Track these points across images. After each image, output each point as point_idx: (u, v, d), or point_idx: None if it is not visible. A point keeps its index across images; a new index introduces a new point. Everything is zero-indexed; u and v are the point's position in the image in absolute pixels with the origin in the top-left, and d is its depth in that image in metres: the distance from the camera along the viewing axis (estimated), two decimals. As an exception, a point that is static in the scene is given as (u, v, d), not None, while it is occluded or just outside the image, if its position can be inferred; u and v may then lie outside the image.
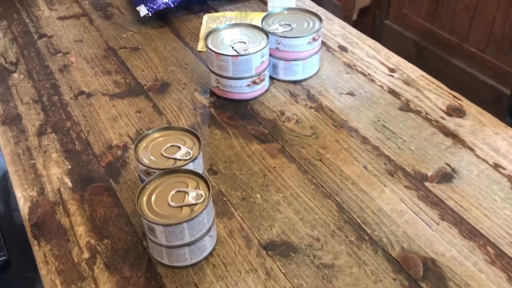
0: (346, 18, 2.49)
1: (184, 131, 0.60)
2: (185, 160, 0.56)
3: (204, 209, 0.50)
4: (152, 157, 0.57)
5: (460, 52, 1.96)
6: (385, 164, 0.65)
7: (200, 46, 0.90)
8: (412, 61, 0.86)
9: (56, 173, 0.65)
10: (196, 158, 0.57)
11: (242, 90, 0.75)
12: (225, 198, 0.61)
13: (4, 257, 1.14)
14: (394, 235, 0.56)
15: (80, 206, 0.61)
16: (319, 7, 1.01)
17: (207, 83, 0.81)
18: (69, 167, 0.66)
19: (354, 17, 2.46)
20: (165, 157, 0.57)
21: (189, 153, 0.57)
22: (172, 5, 0.95)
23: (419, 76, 0.80)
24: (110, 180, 0.64)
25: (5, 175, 1.51)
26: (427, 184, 0.62)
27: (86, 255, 0.55)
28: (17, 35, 0.95)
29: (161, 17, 0.97)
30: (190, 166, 0.56)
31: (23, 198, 0.62)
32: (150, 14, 0.94)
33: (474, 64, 1.90)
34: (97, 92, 0.79)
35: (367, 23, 2.47)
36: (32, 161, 0.67)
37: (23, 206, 0.61)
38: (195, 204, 0.51)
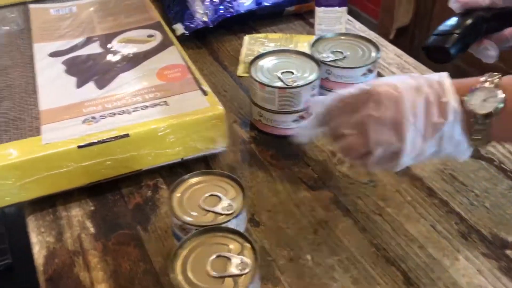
0: (383, 37, 2.40)
1: (226, 177, 0.52)
2: (227, 215, 0.48)
3: (250, 283, 0.41)
4: (188, 210, 0.48)
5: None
6: (456, 223, 0.56)
7: (240, 71, 0.81)
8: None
9: (78, 215, 0.58)
10: (239, 213, 0.48)
11: (288, 125, 0.67)
12: (269, 258, 0.52)
13: (8, 261, 1.11)
14: (474, 318, 0.47)
15: (103, 258, 0.53)
16: (370, 31, 0.92)
17: (247, 114, 0.72)
18: (92, 208, 0.59)
19: (391, 36, 2.36)
20: (204, 209, 0.48)
21: (232, 206, 0.49)
22: (211, 25, 0.87)
23: (489, 116, 0.71)
24: (138, 227, 0.56)
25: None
26: (508, 252, 0.52)
27: (106, 322, 0.47)
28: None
29: (199, 37, 0.89)
30: (233, 222, 0.48)
31: (38, 244, 0.55)
32: (187, 33, 0.86)
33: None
34: (127, 119, 0.72)
35: (405, 42, 2.36)
36: (51, 199, 0.59)
37: (38, 254, 0.53)
38: (240, 275, 0.42)
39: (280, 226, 0.56)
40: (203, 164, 0.64)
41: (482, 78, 0.44)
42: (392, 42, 2.47)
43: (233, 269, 0.42)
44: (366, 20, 2.57)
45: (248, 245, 0.44)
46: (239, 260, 0.43)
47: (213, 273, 0.42)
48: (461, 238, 0.54)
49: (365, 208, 0.58)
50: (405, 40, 2.36)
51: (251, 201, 0.59)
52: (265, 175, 0.62)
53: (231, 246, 0.44)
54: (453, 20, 0.64)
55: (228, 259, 0.43)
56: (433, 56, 0.66)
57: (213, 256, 0.43)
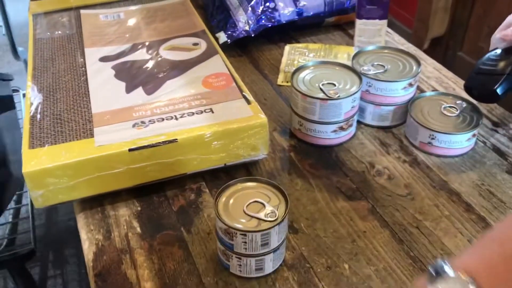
0: (417, 47, 2.39)
1: (269, 185, 0.54)
2: (271, 221, 0.50)
3: (271, 228, 0.49)
4: (233, 214, 0.51)
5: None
6: (494, 240, 0.56)
7: (280, 80, 0.83)
8: None
9: (125, 215, 0.60)
10: (282, 220, 0.50)
11: (327, 135, 0.68)
12: (308, 265, 0.54)
13: (30, 246, 1.20)
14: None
15: (149, 257, 0.55)
16: (409, 43, 0.93)
17: (287, 122, 0.74)
18: (139, 208, 0.61)
19: (425, 46, 2.34)
20: (248, 215, 0.50)
21: (275, 213, 0.51)
22: (253, 34, 0.89)
23: (528, 133, 0.71)
24: (182, 229, 0.58)
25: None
26: (546, 270, 0.53)
27: (152, 318, 0.49)
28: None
29: (240, 45, 0.92)
30: (275, 229, 0.50)
31: (88, 241, 0.57)
32: (229, 42, 0.89)
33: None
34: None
35: (439, 53, 2.35)
36: (99, 198, 0.62)
37: (88, 250, 0.56)
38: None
39: (318, 234, 0.57)
40: (244, 170, 0.66)
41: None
42: (426, 52, 2.45)
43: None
44: (399, 29, 2.55)
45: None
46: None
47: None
48: (498, 254, 0.55)
49: (403, 220, 0.59)
50: (439, 50, 2.34)
51: (289, 208, 0.61)
52: (304, 184, 0.64)
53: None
54: (495, 56, 0.61)
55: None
56: (477, 96, 0.66)
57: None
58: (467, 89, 0.66)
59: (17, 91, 1.75)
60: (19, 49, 1.92)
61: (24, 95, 1.78)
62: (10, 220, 1.31)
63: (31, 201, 1.30)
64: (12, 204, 1.35)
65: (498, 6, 1.99)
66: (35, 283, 1.41)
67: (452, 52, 2.32)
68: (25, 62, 1.99)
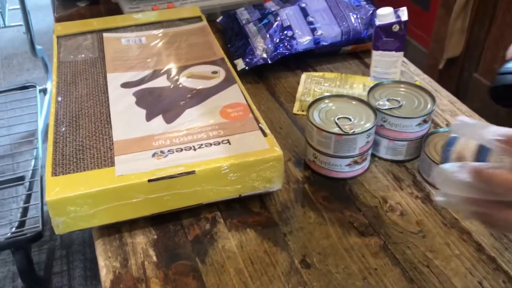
0: (431, 67, 2.39)
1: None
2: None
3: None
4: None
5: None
6: (504, 282, 0.57)
7: (296, 109, 0.85)
8: (500, 121, 0.75)
9: (142, 243, 0.62)
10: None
11: (342, 169, 0.70)
12: (319, 301, 0.55)
13: (38, 229, 1.32)
14: None
15: (164, 286, 0.57)
16: (424, 74, 0.94)
17: (301, 152, 0.76)
18: (155, 237, 0.63)
19: (441, 66, 2.34)
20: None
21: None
22: (270, 62, 0.91)
23: (541, 172, 0.71)
24: (197, 259, 0.60)
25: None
26: (555, 316, 0.53)
27: None
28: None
29: (257, 72, 0.94)
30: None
31: (105, 268, 0.59)
32: (247, 69, 0.91)
33: None
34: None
35: (454, 73, 2.35)
36: (117, 225, 0.64)
37: (105, 277, 0.58)
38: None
39: (330, 270, 0.59)
40: (258, 200, 0.68)
41: None
42: (441, 72, 2.45)
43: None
44: (415, 49, 2.56)
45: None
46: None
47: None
48: (508, 297, 0.55)
49: (413, 259, 0.60)
50: (454, 71, 2.35)
51: (302, 241, 0.62)
52: (317, 217, 0.65)
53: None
54: None
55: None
56: (502, 98, 0.60)
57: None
58: (492, 90, 0.60)
59: (33, 86, 1.83)
60: (38, 47, 1.98)
61: (40, 90, 1.85)
62: (22, 205, 1.42)
63: (41, 188, 1.38)
64: (24, 190, 1.47)
65: (515, 30, 2.00)
66: (35, 270, 1.51)
67: (468, 73, 2.31)
68: (43, 60, 2.06)
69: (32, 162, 1.55)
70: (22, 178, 1.55)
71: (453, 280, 0.57)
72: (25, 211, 1.43)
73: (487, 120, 0.75)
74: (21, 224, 1.38)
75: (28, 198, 1.45)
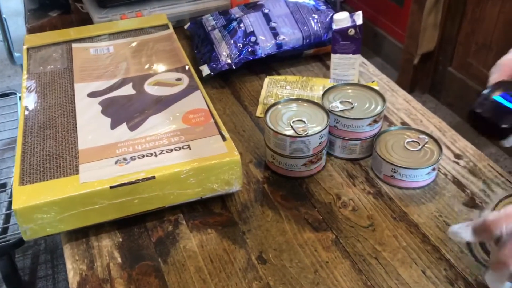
0: (407, 62, 2.44)
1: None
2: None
3: None
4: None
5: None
6: (445, 270, 0.61)
7: (259, 112, 0.89)
8: None
9: (107, 245, 0.65)
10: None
11: (298, 168, 0.73)
12: (273, 294, 0.59)
13: (20, 235, 1.35)
14: None
15: (128, 286, 0.60)
16: (382, 74, 0.98)
17: (262, 154, 0.79)
18: (120, 239, 0.66)
19: (416, 61, 2.40)
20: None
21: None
22: (235, 67, 0.95)
23: (487, 165, 0.76)
24: (159, 259, 0.64)
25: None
26: (490, 299, 0.58)
27: None
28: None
29: (223, 76, 0.97)
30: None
31: (73, 270, 0.63)
32: (212, 74, 0.94)
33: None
34: (154, 156, 0.80)
35: (429, 68, 2.40)
36: (84, 229, 0.67)
37: (72, 279, 0.61)
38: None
39: (284, 264, 0.62)
40: (220, 201, 0.71)
41: None
42: (416, 67, 2.50)
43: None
44: (392, 44, 2.61)
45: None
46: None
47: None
48: (449, 284, 0.59)
49: (363, 251, 0.64)
50: (429, 65, 2.40)
51: (259, 239, 0.66)
52: (275, 215, 0.69)
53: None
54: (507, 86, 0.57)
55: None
56: (479, 125, 0.59)
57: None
58: (471, 114, 0.59)
59: (14, 94, 1.85)
60: (16, 54, 2.00)
61: (21, 97, 1.87)
62: (4, 211, 1.44)
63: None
64: (6, 197, 1.50)
65: (485, 25, 2.05)
66: (19, 275, 1.53)
67: (442, 67, 2.37)
68: (22, 66, 2.08)
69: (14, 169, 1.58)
70: (4, 185, 1.58)
71: (399, 270, 0.61)
72: (7, 217, 1.46)
73: (461, 113, 0.78)
74: (4, 230, 1.41)
75: (10, 205, 1.48)
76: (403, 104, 0.90)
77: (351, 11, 0.90)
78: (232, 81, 0.97)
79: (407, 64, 2.43)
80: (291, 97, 0.77)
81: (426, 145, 0.74)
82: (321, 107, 0.75)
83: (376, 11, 2.68)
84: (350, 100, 0.77)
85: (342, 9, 1.01)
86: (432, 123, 0.85)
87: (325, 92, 0.79)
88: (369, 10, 2.73)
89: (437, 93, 2.41)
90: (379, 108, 0.75)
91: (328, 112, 0.74)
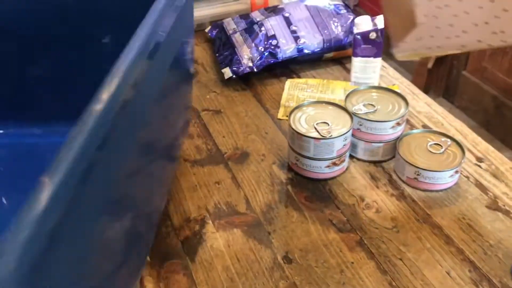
0: (421, 66, 2.44)
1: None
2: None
3: None
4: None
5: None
6: (469, 271, 0.62)
7: (281, 114, 0.90)
8: (489, 116, 0.81)
9: (136, 244, 0.67)
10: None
11: (322, 170, 0.75)
12: (300, 293, 0.60)
13: None
14: None
15: (157, 284, 0.62)
16: (403, 78, 0.99)
17: (285, 156, 0.81)
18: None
19: (430, 65, 2.40)
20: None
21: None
22: (256, 70, 0.96)
23: (509, 168, 0.76)
24: (187, 258, 0.65)
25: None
26: (516, 301, 0.58)
27: None
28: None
29: (244, 79, 0.99)
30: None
31: (103, 268, 0.64)
32: (234, 77, 0.96)
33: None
34: (179, 157, 0.81)
35: (443, 72, 2.40)
36: (113, 228, 0.69)
37: (103, 277, 0.63)
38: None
39: (310, 264, 0.63)
40: (244, 201, 0.73)
41: None
42: (431, 71, 2.50)
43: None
44: (405, 48, 2.61)
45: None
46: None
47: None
48: (473, 285, 0.60)
49: (388, 252, 0.65)
50: (443, 69, 2.40)
51: (285, 239, 0.67)
52: (299, 216, 0.70)
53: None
54: None
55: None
56: None
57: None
58: None
59: None
60: None
61: None
62: None
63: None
64: None
65: (500, 28, 2.04)
66: None
67: (456, 71, 2.37)
68: None
69: None
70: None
71: (423, 271, 0.62)
72: None
73: (475, 117, 0.79)
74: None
75: None
76: (424, 107, 0.90)
77: (364, 14, 0.91)
78: (253, 83, 0.98)
79: (422, 67, 2.43)
80: (315, 100, 0.79)
81: (448, 148, 0.74)
82: (345, 109, 0.76)
83: (390, 14, 2.68)
84: (373, 103, 0.78)
85: (356, 13, 1.02)
86: (453, 126, 0.85)
87: (347, 95, 0.80)
88: (381, 13, 2.73)
89: (451, 97, 2.41)
90: (402, 111, 0.76)
91: (352, 114, 0.75)
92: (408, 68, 2.63)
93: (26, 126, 0.80)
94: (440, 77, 2.42)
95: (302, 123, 0.75)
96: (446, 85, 2.44)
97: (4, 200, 0.73)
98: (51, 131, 0.78)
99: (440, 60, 2.37)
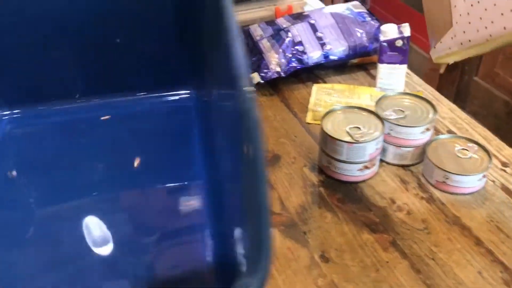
0: (433, 71, 2.47)
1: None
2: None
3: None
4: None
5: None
6: (501, 272, 0.64)
7: (309, 118, 0.93)
8: (500, 121, 0.86)
9: (177, 242, 0.70)
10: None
11: (353, 173, 0.77)
12: (338, 290, 0.63)
13: None
14: None
15: (200, 280, 0.64)
16: (426, 84, 1.02)
17: (315, 159, 0.83)
18: (189, 237, 0.71)
19: (442, 70, 2.41)
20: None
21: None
22: (284, 75, 0.99)
23: (534, 173, 0.79)
24: (227, 256, 0.68)
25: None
26: (546, 300, 0.61)
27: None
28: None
29: (271, 84, 1.01)
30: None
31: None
32: (262, 82, 0.99)
33: None
34: (212, 159, 0.84)
35: (454, 77, 2.43)
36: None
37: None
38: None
39: (346, 263, 0.66)
40: (279, 202, 0.75)
41: None
42: (442, 76, 2.52)
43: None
44: (416, 53, 2.64)
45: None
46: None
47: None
48: (505, 285, 0.63)
49: (420, 252, 0.67)
50: (455, 74, 2.42)
51: (320, 239, 0.70)
52: (333, 217, 0.73)
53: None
54: None
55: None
56: None
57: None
58: None
59: None
60: None
61: None
62: None
63: None
64: None
65: (512, 35, 2.07)
66: None
67: (468, 77, 2.39)
68: None
69: None
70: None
71: (455, 270, 0.65)
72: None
73: (486, 122, 0.82)
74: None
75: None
76: (448, 113, 0.93)
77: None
78: (280, 88, 1.01)
79: (433, 73, 2.46)
80: (345, 105, 0.81)
81: (475, 153, 0.77)
82: (376, 115, 0.79)
83: (399, 19, 2.71)
84: (402, 109, 0.80)
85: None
86: (477, 132, 0.88)
87: (378, 101, 0.83)
88: (392, 19, 2.76)
89: (462, 102, 2.43)
90: (431, 116, 0.79)
91: (383, 120, 0.77)
92: (417, 73, 2.65)
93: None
94: (452, 82, 2.45)
95: (335, 127, 0.77)
96: (457, 90, 2.46)
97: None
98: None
99: (451, 66, 2.39)
